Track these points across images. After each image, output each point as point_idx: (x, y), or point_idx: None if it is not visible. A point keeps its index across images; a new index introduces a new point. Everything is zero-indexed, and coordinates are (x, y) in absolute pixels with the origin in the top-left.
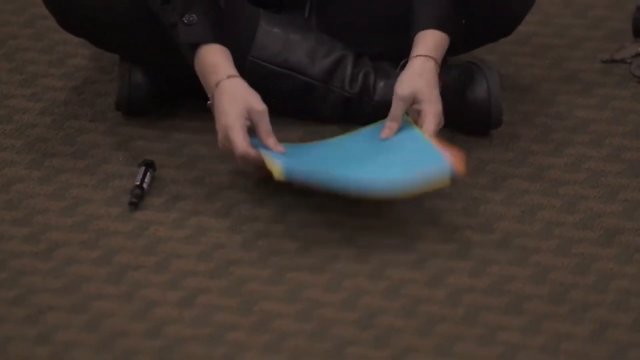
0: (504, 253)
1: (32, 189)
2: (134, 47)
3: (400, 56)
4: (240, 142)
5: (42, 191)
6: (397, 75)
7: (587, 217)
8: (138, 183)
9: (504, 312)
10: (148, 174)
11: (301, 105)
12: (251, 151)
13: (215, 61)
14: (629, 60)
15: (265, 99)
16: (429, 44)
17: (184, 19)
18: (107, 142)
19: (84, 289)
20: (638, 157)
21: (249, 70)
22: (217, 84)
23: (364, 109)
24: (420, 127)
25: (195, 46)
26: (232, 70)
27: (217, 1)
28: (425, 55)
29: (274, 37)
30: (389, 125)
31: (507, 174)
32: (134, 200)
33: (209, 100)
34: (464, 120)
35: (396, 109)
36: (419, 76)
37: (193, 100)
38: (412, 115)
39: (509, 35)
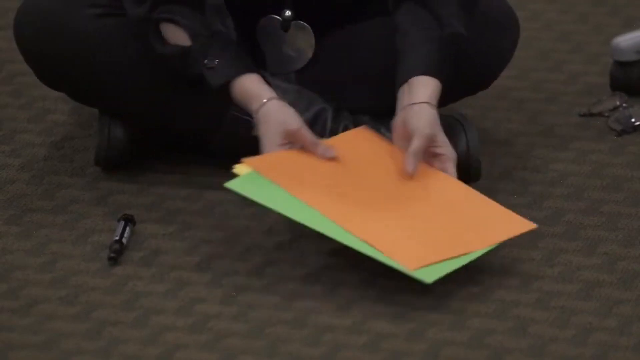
0: (483, 306)
1: (11, 245)
2: (115, 102)
3: (380, 110)
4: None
5: (21, 247)
6: (395, 120)
7: (567, 270)
8: (117, 238)
9: None
10: (127, 228)
11: None
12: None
13: (247, 92)
14: (606, 114)
15: (246, 152)
16: (428, 90)
17: (205, 64)
18: (87, 197)
19: (62, 345)
20: (617, 209)
21: (230, 124)
22: (255, 114)
23: None
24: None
25: (225, 86)
26: (266, 94)
27: (230, 38)
28: (428, 103)
29: None
30: (411, 161)
31: None
32: (113, 255)
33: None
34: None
35: (418, 144)
36: (435, 121)
37: (172, 155)
38: (425, 157)
39: (486, 89)
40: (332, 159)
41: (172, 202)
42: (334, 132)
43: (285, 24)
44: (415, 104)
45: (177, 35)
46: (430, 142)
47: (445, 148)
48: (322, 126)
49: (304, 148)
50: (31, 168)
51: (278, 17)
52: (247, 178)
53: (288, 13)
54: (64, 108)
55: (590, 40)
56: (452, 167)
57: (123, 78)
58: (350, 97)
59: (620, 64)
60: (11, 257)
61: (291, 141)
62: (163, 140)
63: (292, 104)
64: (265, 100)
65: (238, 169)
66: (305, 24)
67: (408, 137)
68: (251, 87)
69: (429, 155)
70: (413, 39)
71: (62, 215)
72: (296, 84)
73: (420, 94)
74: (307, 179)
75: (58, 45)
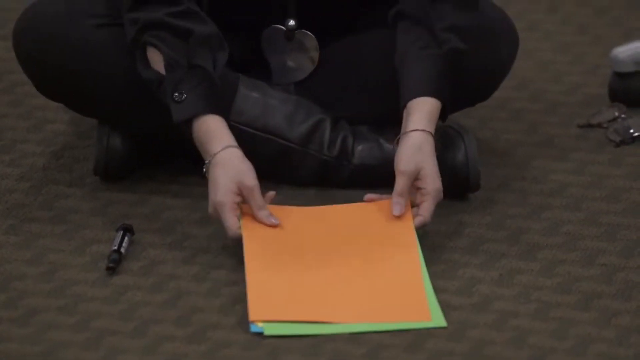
0: (482, 316)
1: (10, 255)
2: (115, 112)
3: (379, 120)
4: (232, 225)
5: (20, 257)
6: (394, 149)
7: (565, 281)
8: (116, 248)
9: None
10: (126, 238)
11: (280, 169)
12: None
13: (209, 132)
14: (605, 125)
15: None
16: (423, 114)
17: (174, 97)
18: (86, 207)
19: (61, 355)
20: (615, 221)
21: None
22: (213, 155)
23: (342, 173)
24: (419, 205)
25: (189, 121)
26: (228, 140)
27: (209, 75)
28: (422, 130)
29: (253, 101)
30: (396, 200)
31: (485, 237)
32: (111, 265)
33: (204, 167)
34: (442, 184)
35: (401, 184)
36: (419, 151)
37: (171, 165)
38: (411, 192)
39: (485, 100)
40: (275, 226)
41: (171, 212)
42: (332, 143)
43: (289, 34)
44: (406, 132)
45: (158, 62)
46: (413, 178)
47: (427, 181)
48: (321, 136)
49: (250, 206)
50: (30, 178)
51: (282, 27)
52: (269, 326)
53: (292, 23)
54: (64, 118)
55: (590, 52)
56: (429, 202)
57: (121, 89)
58: (349, 108)
59: (620, 75)
60: (10, 267)
61: (242, 194)
62: (162, 151)
63: (291, 113)
64: (227, 145)
65: (255, 320)
66: (309, 32)
67: None
68: (215, 128)
69: (413, 189)
70: (411, 59)
71: (61, 225)
72: (295, 94)
73: (413, 120)
74: (300, 297)
75: (56, 56)
